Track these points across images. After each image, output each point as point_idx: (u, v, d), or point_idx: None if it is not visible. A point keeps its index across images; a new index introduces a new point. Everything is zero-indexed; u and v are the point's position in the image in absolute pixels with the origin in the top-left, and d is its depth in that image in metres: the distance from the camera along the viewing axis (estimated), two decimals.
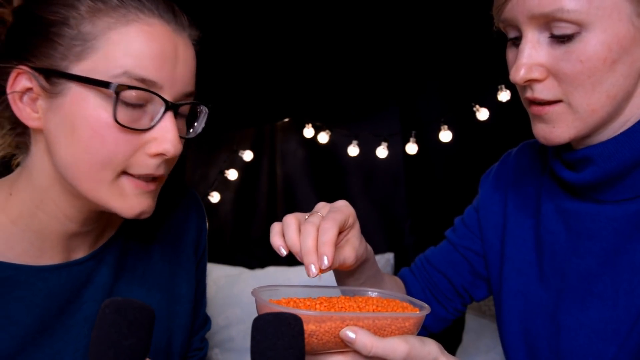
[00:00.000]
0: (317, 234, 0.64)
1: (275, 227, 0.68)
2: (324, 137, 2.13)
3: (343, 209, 0.69)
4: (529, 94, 0.70)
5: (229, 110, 2.10)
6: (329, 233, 0.64)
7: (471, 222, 0.96)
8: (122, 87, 0.62)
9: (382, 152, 2.06)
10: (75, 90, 0.63)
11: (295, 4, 1.90)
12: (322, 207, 0.71)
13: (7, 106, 0.67)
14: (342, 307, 0.62)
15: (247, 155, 2.22)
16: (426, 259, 1.00)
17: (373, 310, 0.62)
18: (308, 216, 0.68)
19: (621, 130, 0.71)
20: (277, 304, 0.59)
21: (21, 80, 0.65)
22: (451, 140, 1.99)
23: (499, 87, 1.90)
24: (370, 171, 2.18)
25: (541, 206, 0.83)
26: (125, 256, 0.81)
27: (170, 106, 0.66)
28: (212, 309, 0.99)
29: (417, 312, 0.63)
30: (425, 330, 0.98)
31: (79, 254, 0.75)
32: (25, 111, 0.66)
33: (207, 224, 0.95)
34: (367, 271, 0.81)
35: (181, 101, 0.68)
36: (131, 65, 0.62)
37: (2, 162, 0.75)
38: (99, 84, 0.62)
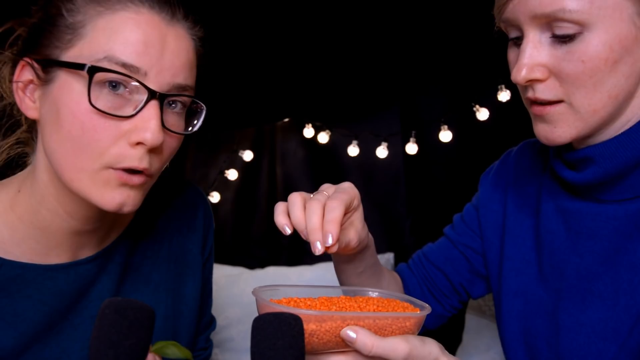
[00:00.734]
0: (322, 211, 0.64)
1: (280, 206, 0.68)
2: (324, 137, 2.13)
3: (349, 190, 0.69)
4: (530, 94, 0.70)
5: (229, 110, 2.10)
6: (335, 212, 0.64)
7: (470, 219, 0.96)
8: (95, 69, 0.62)
9: (382, 152, 2.06)
10: (62, 77, 0.64)
11: (295, 4, 1.89)
12: (327, 187, 0.71)
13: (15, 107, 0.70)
14: (342, 307, 0.62)
15: (247, 155, 2.22)
16: (424, 255, 1.00)
17: (374, 310, 0.62)
18: (313, 195, 0.68)
19: (622, 130, 0.71)
20: (278, 304, 0.59)
21: (25, 72, 0.67)
22: (451, 140, 1.99)
23: (499, 87, 1.90)
24: (370, 171, 2.18)
25: (541, 205, 0.83)
26: (132, 255, 0.81)
27: (154, 95, 0.64)
28: (212, 309, 1.00)
29: (417, 312, 0.63)
30: (423, 327, 0.98)
31: (86, 252, 0.75)
32: (25, 101, 0.68)
33: (214, 223, 0.95)
34: (368, 259, 0.81)
35: (171, 93, 0.67)
36: (113, 50, 0.62)
37: (17, 161, 0.76)
38: (75, 67, 0.62)
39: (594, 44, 0.64)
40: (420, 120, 2.10)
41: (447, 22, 1.94)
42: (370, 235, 0.79)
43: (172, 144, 0.70)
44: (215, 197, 2.22)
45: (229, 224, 2.30)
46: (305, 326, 0.55)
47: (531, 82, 0.69)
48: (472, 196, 1.00)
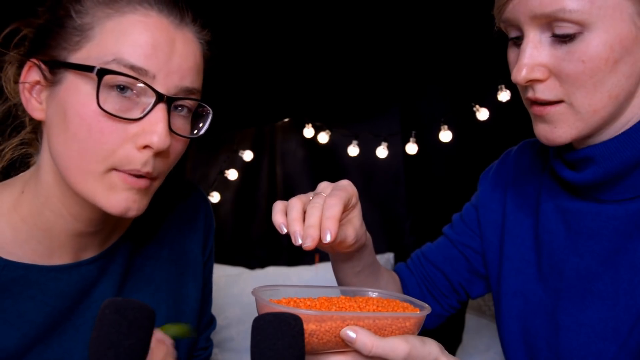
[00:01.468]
0: (320, 213, 0.65)
1: (279, 205, 0.68)
2: (324, 137, 2.13)
3: (347, 187, 0.70)
4: (530, 94, 0.70)
5: (229, 110, 2.10)
6: (334, 209, 0.64)
7: (470, 219, 0.96)
8: (104, 71, 0.62)
9: (382, 152, 2.06)
10: (69, 79, 0.64)
11: (295, 5, 1.89)
12: (325, 186, 0.71)
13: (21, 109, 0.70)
14: (342, 307, 0.62)
15: (247, 155, 2.22)
16: (423, 254, 1.00)
17: (373, 310, 0.62)
18: (312, 196, 0.68)
19: (622, 130, 0.71)
20: (278, 304, 0.59)
21: (32, 73, 0.67)
22: (451, 140, 1.99)
23: (499, 87, 1.90)
24: (370, 171, 2.18)
25: (540, 205, 0.83)
26: (134, 256, 0.81)
27: (162, 98, 0.64)
28: (212, 309, 1.00)
29: (417, 312, 0.63)
30: (422, 327, 0.98)
31: (89, 253, 0.76)
32: (31, 102, 0.67)
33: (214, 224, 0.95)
34: (365, 258, 0.81)
35: (179, 96, 0.67)
36: (122, 52, 0.62)
37: (21, 162, 0.76)
38: (83, 69, 0.62)
39: (594, 44, 0.64)
40: (420, 120, 2.10)
41: (447, 22, 1.94)
42: (368, 234, 0.80)
43: (178, 147, 0.70)
44: (215, 197, 2.22)
45: (229, 224, 2.30)
46: (305, 326, 0.55)
47: (531, 82, 0.69)
48: (472, 196, 1.00)
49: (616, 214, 0.73)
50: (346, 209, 0.69)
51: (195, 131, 0.73)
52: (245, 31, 1.95)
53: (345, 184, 0.70)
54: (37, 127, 0.73)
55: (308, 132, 2.16)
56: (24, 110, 0.71)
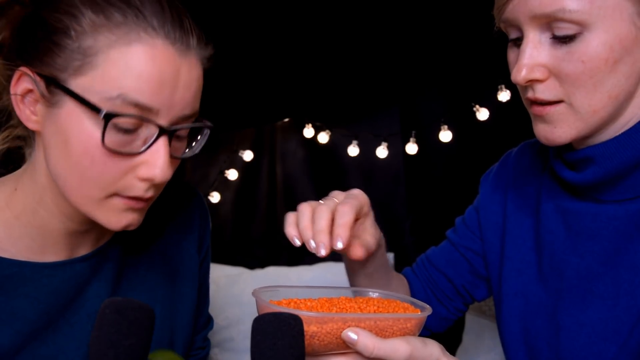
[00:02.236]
0: (330, 215, 0.64)
1: (291, 217, 0.67)
2: (324, 137, 2.13)
3: (359, 196, 0.70)
4: (530, 95, 0.70)
5: (229, 110, 2.10)
6: (346, 216, 0.64)
7: (471, 222, 0.96)
8: (111, 115, 0.60)
9: (382, 152, 2.06)
10: (70, 105, 0.62)
11: (295, 5, 1.89)
12: (337, 193, 0.71)
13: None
14: (342, 308, 0.62)
15: (247, 155, 2.22)
16: (427, 258, 1.00)
17: (374, 311, 0.62)
18: (323, 200, 0.68)
19: (622, 131, 0.71)
20: (278, 305, 0.59)
21: (23, 82, 0.65)
22: (451, 140, 1.99)
23: (499, 87, 1.90)
24: (370, 171, 2.18)
25: (541, 206, 0.83)
26: (128, 254, 0.81)
27: (164, 131, 0.64)
28: (212, 309, 1.00)
29: (418, 313, 0.63)
30: (428, 330, 0.98)
31: (83, 250, 0.76)
32: (25, 113, 0.66)
33: (211, 222, 0.95)
34: (378, 259, 0.81)
35: (179, 124, 0.66)
36: (127, 88, 0.60)
37: (14, 155, 0.74)
38: (90, 107, 0.61)
39: (594, 44, 0.64)
40: (420, 120, 2.10)
41: (447, 22, 1.94)
42: (382, 235, 0.80)
43: (176, 165, 0.70)
44: (215, 197, 2.22)
45: (229, 224, 2.30)
46: (306, 328, 0.55)
47: (531, 83, 0.69)
48: (472, 196, 1.00)
49: (616, 214, 0.73)
50: (359, 217, 0.69)
51: (187, 150, 0.72)
52: (246, 31, 1.95)
53: (357, 193, 0.70)
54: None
55: (308, 132, 2.16)
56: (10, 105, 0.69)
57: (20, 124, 0.70)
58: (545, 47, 0.67)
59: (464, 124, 2.03)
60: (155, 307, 0.82)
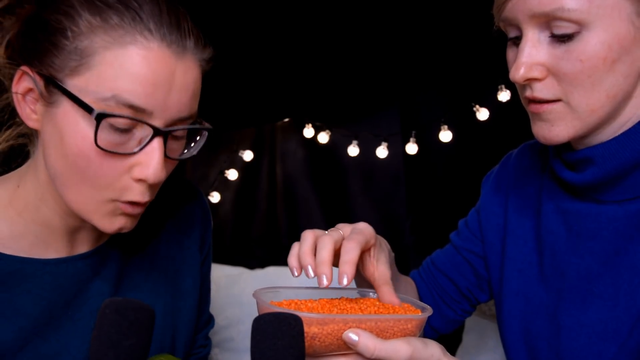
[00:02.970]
0: (333, 247, 0.63)
1: (295, 247, 0.66)
2: (324, 137, 2.13)
3: (364, 231, 0.68)
4: (528, 93, 0.70)
5: (229, 110, 2.09)
6: (352, 253, 0.63)
7: (473, 224, 0.96)
8: (103, 115, 0.61)
9: (382, 152, 2.06)
10: (66, 105, 0.63)
11: (295, 4, 1.89)
12: (343, 226, 0.70)
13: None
14: (343, 309, 0.62)
15: (247, 155, 2.22)
16: (432, 261, 1.01)
17: (375, 312, 0.62)
18: (328, 231, 0.67)
19: (621, 131, 0.71)
20: (279, 306, 0.59)
21: (24, 81, 0.66)
22: (451, 140, 1.99)
23: (499, 87, 1.90)
24: (370, 171, 2.18)
25: (542, 206, 0.83)
26: (131, 251, 0.81)
27: (158, 132, 0.64)
28: (212, 309, 1.00)
29: (419, 313, 0.63)
30: (436, 332, 0.99)
31: (85, 247, 0.76)
32: (26, 111, 0.67)
33: (212, 222, 0.95)
34: (391, 269, 0.81)
35: (175, 126, 0.66)
36: (121, 89, 0.61)
37: (18, 152, 0.75)
38: (83, 106, 0.61)
39: (592, 44, 0.64)
40: (420, 120, 2.10)
41: (447, 22, 1.94)
42: (389, 246, 0.79)
43: (172, 166, 0.70)
44: (215, 197, 2.22)
45: (229, 224, 2.30)
46: (307, 329, 0.55)
47: (529, 81, 0.69)
48: (472, 196, 1.01)
49: (616, 215, 0.73)
50: (365, 250, 0.68)
51: (186, 151, 0.72)
52: (246, 31, 1.95)
53: (363, 227, 0.69)
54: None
55: (308, 132, 2.16)
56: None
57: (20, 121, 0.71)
58: (544, 46, 0.67)
59: (464, 124, 2.02)
60: (157, 305, 0.82)
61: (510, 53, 0.73)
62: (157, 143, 0.64)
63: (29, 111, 0.66)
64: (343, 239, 0.66)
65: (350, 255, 0.63)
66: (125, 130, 0.63)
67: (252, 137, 2.28)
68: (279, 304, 0.61)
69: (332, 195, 2.23)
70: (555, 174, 0.79)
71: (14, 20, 0.67)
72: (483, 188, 0.97)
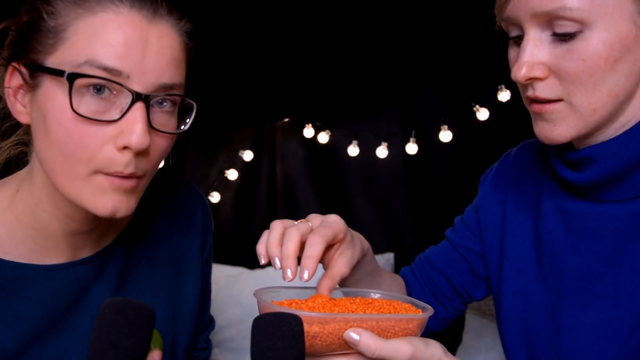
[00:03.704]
0: (299, 239, 0.64)
1: (264, 236, 0.67)
2: (324, 137, 2.13)
3: (334, 224, 0.68)
4: (530, 93, 0.70)
5: (229, 110, 2.10)
6: (315, 248, 0.63)
7: (471, 222, 0.96)
8: (74, 75, 0.61)
9: (382, 152, 2.06)
10: (47, 83, 0.63)
11: (295, 4, 1.89)
12: (314, 217, 0.70)
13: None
14: (344, 309, 0.62)
15: (247, 155, 2.22)
16: (426, 258, 1.00)
17: (376, 312, 0.62)
18: (298, 222, 0.67)
19: (623, 130, 0.71)
20: (280, 306, 0.59)
21: (15, 77, 0.67)
22: (451, 140, 1.99)
23: (499, 87, 1.90)
24: (370, 171, 2.18)
25: (541, 205, 0.83)
26: (132, 255, 0.81)
27: (140, 97, 0.63)
28: (212, 309, 0.99)
29: (420, 313, 0.63)
30: (426, 329, 0.98)
31: (85, 252, 0.75)
32: (16, 106, 0.67)
33: (213, 223, 0.95)
34: (365, 267, 0.81)
35: (156, 92, 0.65)
36: (94, 53, 0.61)
37: (10, 162, 0.75)
38: (55, 73, 0.61)
39: (594, 43, 0.64)
40: (420, 120, 2.10)
41: (447, 22, 1.94)
42: (366, 243, 0.78)
43: (162, 144, 0.68)
44: (215, 197, 2.22)
45: (229, 224, 2.30)
46: (308, 328, 0.55)
47: (531, 81, 0.69)
48: (472, 196, 1.00)
49: (617, 214, 0.73)
50: (333, 243, 0.68)
51: (182, 126, 0.72)
52: (246, 31, 1.95)
53: (333, 220, 0.68)
54: (28, 127, 0.73)
55: (308, 132, 2.16)
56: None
57: (23, 131, 0.71)
58: (546, 45, 0.67)
59: (464, 124, 2.02)
60: (158, 308, 0.82)
61: (511, 52, 0.73)
62: (139, 108, 0.63)
63: (19, 106, 0.67)
64: (311, 231, 0.66)
65: (313, 250, 0.63)
66: (105, 98, 0.63)
67: (252, 137, 2.28)
68: (279, 303, 0.61)
69: (332, 195, 2.23)
70: (556, 173, 0.79)
71: (13, 32, 0.68)
72: (481, 186, 0.97)
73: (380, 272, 0.87)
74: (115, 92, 0.63)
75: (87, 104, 0.62)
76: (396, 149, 2.09)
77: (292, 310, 0.55)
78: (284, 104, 2.18)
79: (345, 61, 2.06)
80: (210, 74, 1.93)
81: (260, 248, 0.66)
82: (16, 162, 0.76)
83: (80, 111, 0.61)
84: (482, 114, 1.95)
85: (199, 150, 2.29)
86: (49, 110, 0.63)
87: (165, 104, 0.67)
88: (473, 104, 1.96)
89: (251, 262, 2.17)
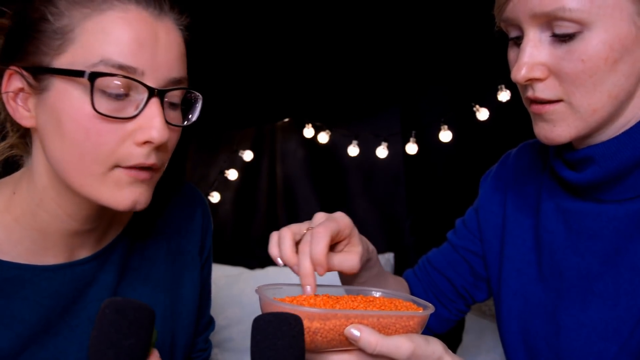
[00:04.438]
0: (311, 258, 0.65)
1: (273, 238, 0.69)
2: (324, 137, 2.13)
3: (339, 219, 0.69)
4: (530, 94, 0.70)
5: (229, 110, 2.10)
6: (319, 245, 0.65)
7: (471, 223, 0.96)
8: (96, 75, 0.61)
9: (382, 152, 2.06)
10: (58, 85, 0.63)
11: (296, 4, 1.89)
12: (319, 218, 0.71)
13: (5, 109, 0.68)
14: (346, 306, 0.62)
15: (247, 155, 2.22)
16: (428, 260, 1.00)
17: (377, 309, 0.62)
18: (306, 230, 0.68)
19: (623, 130, 0.71)
20: (282, 302, 0.59)
21: (13, 81, 0.66)
22: (451, 140, 1.99)
23: (499, 87, 1.90)
24: (370, 171, 2.18)
25: (541, 205, 0.83)
26: (130, 256, 0.81)
27: (154, 92, 0.64)
28: (212, 309, 0.99)
29: (421, 311, 0.63)
30: (430, 331, 0.98)
31: (83, 253, 0.75)
32: (19, 111, 0.66)
33: (212, 224, 0.95)
34: (371, 270, 0.81)
35: (167, 87, 0.67)
36: (108, 52, 0.62)
37: (11, 162, 0.75)
38: (73, 74, 0.62)
39: (593, 43, 0.64)
40: (420, 120, 2.10)
41: (447, 22, 1.94)
42: (371, 246, 0.79)
43: (174, 137, 0.70)
44: (215, 197, 2.22)
45: (229, 224, 2.30)
46: (309, 324, 0.55)
47: (531, 81, 0.69)
48: (472, 196, 1.00)
49: (617, 214, 0.73)
50: (337, 240, 0.69)
51: (190, 116, 0.73)
52: (246, 31, 1.95)
53: (338, 215, 0.70)
54: (25, 131, 0.72)
55: (308, 132, 2.16)
56: (6, 117, 0.71)
57: (13, 131, 0.71)
58: (545, 46, 0.67)
59: (464, 124, 2.03)
60: (157, 309, 0.82)
61: (511, 53, 0.73)
62: (155, 103, 0.64)
63: (22, 110, 0.66)
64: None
65: (318, 248, 0.65)
66: (120, 96, 0.63)
67: (252, 137, 2.28)
68: (282, 300, 0.61)
69: (332, 195, 2.23)
70: (556, 173, 0.79)
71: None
72: (481, 187, 0.97)
73: (385, 275, 0.87)
74: (127, 90, 0.64)
75: (104, 102, 0.63)
76: (396, 149, 2.10)
77: (293, 306, 0.55)
78: (284, 104, 2.18)
79: (345, 61, 2.06)
80: (211, 73, 1.93)
81: (275, 250, 0.68)
82: (10, 165, 0.75)
83: (100, 109, 0.62)
84: (482, 114, 1.95)
85: (199, 150, 2.29)
86: (65, 111, 0.63)
87: (173, 99, 0.69)
88: (473, 104, 1.96)
89: (251, 262, 2.17)
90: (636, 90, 0.69)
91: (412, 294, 0.98)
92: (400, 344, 0.57)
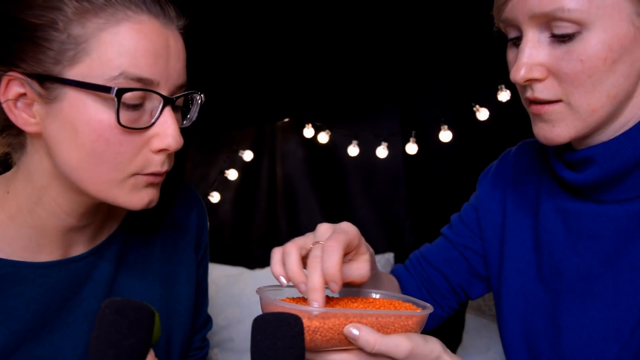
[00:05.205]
0: (322, 271, 0.61)
1: (276, 255, 0.65)
2: (324, 137, 2.13)
3: (347, 230, 0.65)
4: (529, 94, 0.70)
5: (229, 110, 2.09)
6: (333, 258, 0.60)
7: (469, 220, 0.96)
8: (122, 91, 0.62)
9: (382, 152, 2.06)
10: (72, 95, 0.63)
11: (295, 4, 1.89)
12: (325, 230, 0.66)
13: (1, 110, 0.66)
14: (345, 306, 0.62)
15: (247, 155, 2.22)
16: (422, 255, 0.99)
17: (376, 309, 0.62)
18: (312, 245, 0.64)
19: (622, 131, 0.71)
20: (283, 302, 0.59)
21: (13, 87, 0.64)
22: (451, 140, 1.99)
23: (499, 87, 1.90)
24: (370, 171, 2.18)
25: (540, 205, 0.83)
26: (126, 253, 0.81)
27: (167, 101, 0.66)
28: (212, 309, 0.99)
29: (420, 310, 0.63)
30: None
31: (78, 249, 0.76)
32: (22, 117, 0.65)
33: (208, 223, 0.95)
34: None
35: (176, 94, 0.68)
36: (126, 65, 0.62)
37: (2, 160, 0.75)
38: (99, 89, 0.62)
39: (592, 44, 0.64)
40: (420, 120, 2.10)
41: (447, 22, 1.94)
42: (371, 249, 0.78)
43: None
44: (215, 197, 2.22)
45: (229, 224, 2.30)
46: (308, 323, 0.55)
47: (530, 82, 0.69)
48: (471, 196, 1.00)
49: (617, 214, 0.73)
50: (347, 251, 0.65)
51: (189, 116, 0.74)
52: (246, 31, 1.95)
53: (345, 226, 0.66)
54: (19, 131, 0.70)
55: (308, 132, 2.16)
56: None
57: (9, 130, 0.70)
58: (544, 47, 0.67)
59: (464, 124, 2.02)
60: (152, 305, 0.81)
61: (510, 54, 0.73)
62: (168, 112, 0.66)
63: (26, 116, 0.65)
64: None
65: (331, 261, 0.60)
66: (137, 106, 0.64)
67: (252, 137, 2.28)
68: (282, 301, 0.61)
69: (332, 195, 2.23)
70: (556, 173, 0.79)
71: None
72: (480, 184, 0.96)
73: (379, 275, 0.87)
74: (142, 100, 0.65)
75: (123, 113, 0.64)
76: (396, 149, 2.09)
77: (293, 305, 0.55)
78: (284, 104, 2.18)
79: (345, 61, 2.06)
80: (211, 73, 1.93)
81: (278, 268, 0.63)
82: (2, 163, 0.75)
83: (123, 122, 0.63)
84: (482, 114, 1.95)
85: (199, 150, 2.29)
86: (83, 122, 0.63)
87: (178, 101, 0.70)
88: (473, 104, 1.96)
89: (251, 262, 2.17)
90: (635, 91, 0.69)
91: (404, 289, 0.97)
92: (399, 342, 0.57)
